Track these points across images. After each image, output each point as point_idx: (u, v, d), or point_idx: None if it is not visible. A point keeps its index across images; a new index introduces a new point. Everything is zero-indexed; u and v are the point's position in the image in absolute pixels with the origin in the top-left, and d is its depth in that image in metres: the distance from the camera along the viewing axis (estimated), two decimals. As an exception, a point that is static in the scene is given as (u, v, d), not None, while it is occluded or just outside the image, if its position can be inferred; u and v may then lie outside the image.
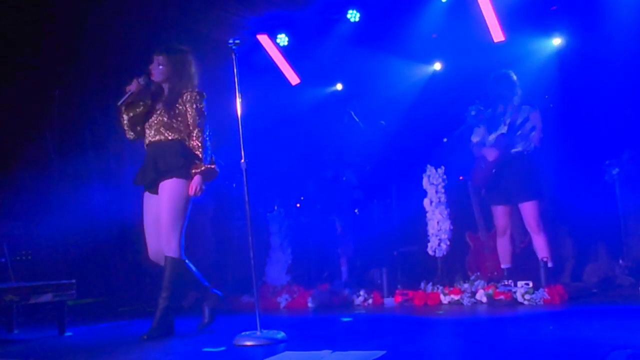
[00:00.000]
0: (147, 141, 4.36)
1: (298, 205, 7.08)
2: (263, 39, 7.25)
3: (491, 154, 5.62)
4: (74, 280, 4.87)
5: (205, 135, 4.31)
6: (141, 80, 4.30)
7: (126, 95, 4.28)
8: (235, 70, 4.04)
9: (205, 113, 4.35)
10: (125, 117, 4.36)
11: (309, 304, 6.02)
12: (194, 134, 4.28)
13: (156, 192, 4.31)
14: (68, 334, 4.76)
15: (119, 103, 4.30)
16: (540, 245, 5.47)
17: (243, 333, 3.82)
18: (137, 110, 4.35)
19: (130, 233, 5.74)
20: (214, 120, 6.05)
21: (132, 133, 4.40)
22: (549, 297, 5.12)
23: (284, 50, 7.38)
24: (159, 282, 4.24)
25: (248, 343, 3.71)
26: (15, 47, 6.16)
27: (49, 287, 4.70)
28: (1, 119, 6.16)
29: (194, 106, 4.30)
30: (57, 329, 4.77)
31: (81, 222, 6.13)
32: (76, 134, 6.71)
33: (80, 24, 6.27)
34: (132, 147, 4.79)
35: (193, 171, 4.24)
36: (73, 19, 6.20)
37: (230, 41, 4.04)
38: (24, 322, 5.40)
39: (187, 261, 4.33)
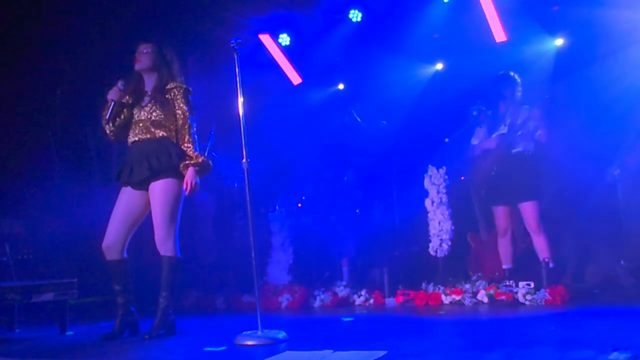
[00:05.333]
0: (133, 138, 4.28)
1: (299, 205, 7.08)
2: (265, 39, 7.25)
3: (491, 143, 5.61)
4: (75, 280, 4.87)
5: (194, 131, 4.28)
6: (120, 85, 4.25)
7: (112, 107, 4.22)
8: (237, 69, 4.03)
9: (193, 108, 4.32)
10: (111, 126, 4.30)
11: (310, 304, 6.04)
12: (185, 130, 4.24)
13: (141, 189, 4.26)
14: (69, 333, 4.77)
15: (107, 117, 4.23)
16: (541, 246, 5.48)
17: (244, 332, 3.83)
18: (122, 116, 4.31)
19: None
20: (215, 120, 6.08)
21: (114, 137, 4.35)
22: (550, 298, 5.13)
23: (286, 50, 7.38)
24: (159, 282, 4.23)
25: (249, 343, 3.71)
26: (17, 47, 6.16)
27: (50, 286, 4.70)
28: (3, 119, 6.16)
29: (183, 101, 4.26)
30: (59, 328, 4.78)
31: (83, 222, 6.12)
32: (78, 134, 6.71)
33: (82, 24, 6.27)
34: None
35: (185, 163, 4.17)
36: (75, 19, 6.20)
37: (233, 41, 4.04)
38: (25, 321, 5.41)
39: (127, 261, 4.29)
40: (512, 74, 5.65)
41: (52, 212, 6.22)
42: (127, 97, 4.31)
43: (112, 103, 4.23)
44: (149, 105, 4.28)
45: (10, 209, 5.93)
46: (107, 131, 4.35)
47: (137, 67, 4.32)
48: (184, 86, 4.33)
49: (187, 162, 4.20)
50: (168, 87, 4.31)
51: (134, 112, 4.30)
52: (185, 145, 4.24)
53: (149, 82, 4.36)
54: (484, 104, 5.69)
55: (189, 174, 4.18)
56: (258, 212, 6.51)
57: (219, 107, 6.11)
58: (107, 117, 4.25)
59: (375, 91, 7.33)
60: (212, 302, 6.39)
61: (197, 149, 4.28)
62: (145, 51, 4.31)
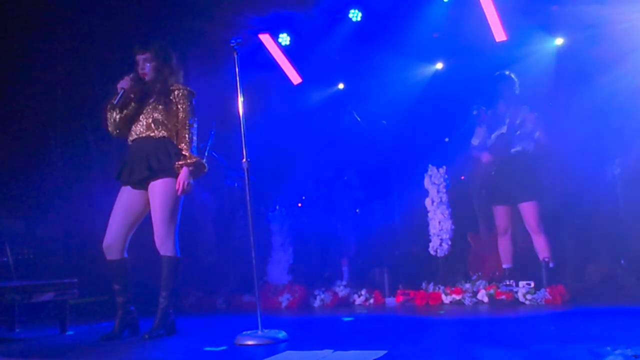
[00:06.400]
0: (134, 136, 4.28)
1: (299, 204, 7.08)
2: (265, 39, 7.25)
3: (485, 157, 5.63)
4: (75, 279, 4.88)
5: (193, 133, 4.28)
6: (132, 75, 4.26)
7: (121, 94, 4.21)
8: (237, 69, 4.03)
9: (195, 111, 4.32)
10: (118, 115, 4.28)
11: (311, 304, 6.04)
12: (184, 131, 4.24)
13: (141, 189, 4.26)
14: (69, 332, 4.77)
15: (115, 102, 4.22)
16: (541, 246, 5.48)
17: (244, 332, 3.83)
18: (129, 108, 4.29)
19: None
20: (215, 120, 6.09)
21: (118, 131, 4.33)
22: (550, 297, 5.13)
23: (285, 50, 7.38)
24: (159, 282, 4.23)
25: (249, 342, 3.71)
26: (18, 47, 6.16)
27: (50, 286, 4.70)
28: (4, 119, 6.17)
29: (187, 103, 4.27)
30: (59, 327, 4.79)
31: (83, 221, 6.13)
32: (78, 134, 6.71)
33: (82, 24, 6.28)
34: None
35: (179, 163, 4.18)
36: (75, 19, 6.20)
37: (232, 40, 4.04)
38: (25, 320, 5.41)
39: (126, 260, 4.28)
40: (507, 72, 5.65)
41: (52, 212, 6.22)
42: (132, 96, 4.31)
43: (122, 91, 4.22)
44: (152, 104, 4.29)
45: (11, 209, 5.93)
46: (111, 119, 4.31)
47: (145, 79, 4.33)
48: (188, 89, 4.34)
49: (181, 162, 4.20)
50: (172, 88, 4.32)
51: (137, 111, 4.30)
52: (182, 145, 4.25)
53: (155, 85, 4.36)
54: (483, 103, 5.69)
55: (182, 174, 4.19)
56: (258, 211, 6.51)
57: (219, 107, 6.11)
58: (116, 102, 4.22)
59: (375, 91, 7.33)
60: (212, 301, 6.40)
61: (195, 150, 4.28)
62: (145, 62, 4.29)
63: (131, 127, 4.32)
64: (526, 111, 5.53)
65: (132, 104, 4.31)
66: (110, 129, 4.36)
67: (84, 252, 6.03)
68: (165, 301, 4.19)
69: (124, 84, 4.23)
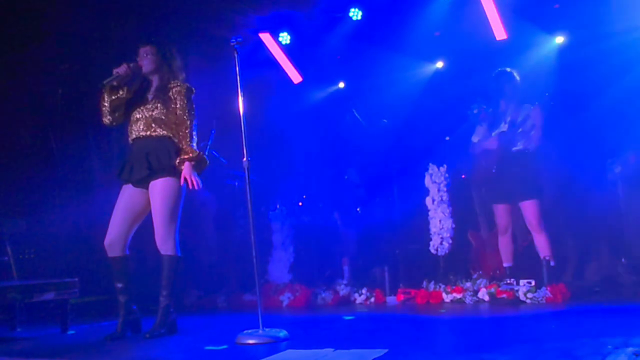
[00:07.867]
0: (134, 135, 4.28)
1: (300, 203, 7.08)
2: (265, 38, 7.25)
3: (493, 143, 5.60)
4: (76, 279, 4.88)
5: (193, 129, 4.27)
6: (132, 65, 4.25)
7: (112, 77, 4.19)
8: (237, 68, 4.03)
9: (194, 107, 4.32)
10: (106, 99, 4.27)
11: (311, 303, 6.04)
12: (184, 128, 4.24)
13: (142, 187, 4.26)
14: (71, 332, 4.78)
15: (104, 82, 4.19)
16: (542, 244, 5.47)
17: (245, 331, 3.83)
18: (120, 94, 4.27)
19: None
20: (215, 119, 6.09)
21: (109, 117, 4.31)
22: (551, 296, 5.13)
23: (286, 49, 7.38)
24: (160, 281, 4.24)
25: (250, 341, 3.72)
26: (18, 47, 6.16)
27: (51, 286, 4.71)
28: (5, 118, 6.17)
29: (184, 99, 4.27)
30: (60, 327, 4.79)
31: (83, 221, 6.13)
32: (79, 133, 6.71)
33: (82, 23, 6.28)
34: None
35: (181, 158, 4.16)
36: (75, 18, 6.20)
37: (233, 40, 4.04)
38: (26, 320, 5.41)
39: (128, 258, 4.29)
40: (509, 70, 5.64)
41: (53, 211, 6.22)
42: (126, 90, 4.29)
43: (117, 75, 4.20)
44: (152, 102, 4.29)
45: (11, 208, 5.93)
46: (103, 107, 4.29)
47: (145, 70, 4.33)
48: (186, 85, 4.33)
49: (182, 156, 4.19)
50: (170, 85, 4.32)
51: (138, 110, 4.30)
52: (182, 142, 4.24)
53: (153, 82, 4.38)
54: (484, 101, 5.68)
55: (186, 169, 4.17)
56: (259, 210, 6.52)
57: (219, 106, 6.11)
58: (105, 81, 4.20)
59: (376, 89, 7.33)
60: (213, 300, 6.40)
61: (194, 146, 4.26)
62: (146, 54, 4.31)
63: (126, 118, 4.31)
64: (528, 108, 5.51)
65: (125, 91, 4.26)
66: (103, 118, 4.33)
67: (85, 251, 6.03)
68: (166, 300, 4.20)
69: (120, 69, 4.22)
